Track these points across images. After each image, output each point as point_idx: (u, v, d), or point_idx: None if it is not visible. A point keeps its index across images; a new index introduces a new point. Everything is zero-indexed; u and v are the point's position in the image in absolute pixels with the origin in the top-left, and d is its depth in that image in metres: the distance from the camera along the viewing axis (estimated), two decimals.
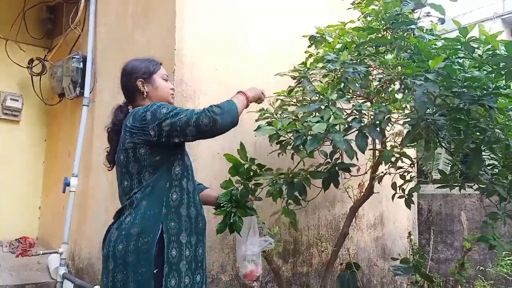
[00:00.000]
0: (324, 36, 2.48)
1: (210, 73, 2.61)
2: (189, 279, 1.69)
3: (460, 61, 1.88)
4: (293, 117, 2.11)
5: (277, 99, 2.40)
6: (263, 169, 2.09)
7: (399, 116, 2.22)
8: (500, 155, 2.08)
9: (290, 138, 2.15)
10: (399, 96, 1.99)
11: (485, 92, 1.75)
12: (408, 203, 2.47)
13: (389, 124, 2.40)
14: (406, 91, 1.91)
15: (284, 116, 2.17)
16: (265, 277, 2.75)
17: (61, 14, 4.05)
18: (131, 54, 2.69)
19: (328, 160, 2.27)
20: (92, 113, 3.37)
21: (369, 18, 2.28)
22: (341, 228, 2.73)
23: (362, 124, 1.94)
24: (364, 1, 2.33)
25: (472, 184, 2.24)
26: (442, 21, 2.11)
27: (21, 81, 4.03)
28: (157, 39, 2.70)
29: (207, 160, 2.52)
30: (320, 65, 2.30)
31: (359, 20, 2.45)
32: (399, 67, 1.89)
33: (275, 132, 2.03)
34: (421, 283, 2.90)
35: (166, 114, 1.63)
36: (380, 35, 2.16)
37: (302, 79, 2.29)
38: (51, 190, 3.93)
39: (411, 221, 4.23)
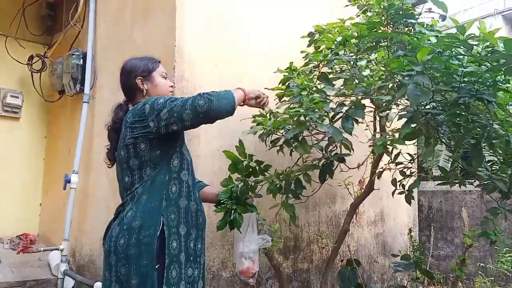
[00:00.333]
0: (322, 33, 2.48)
1: (210, 69, 2.60)
2: (191, 271, 1.71)
3: (460, 57, 1.88)
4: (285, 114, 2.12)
5: (277, 95, 2.39)
6: (261, 166, 2.09)
7: (398, 111, 2.23)
8: (500, 151, 2.08)
9: (282, 135, 2.16)
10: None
11: (483, 86, 1.74)
12: (408, 199, 2.47)
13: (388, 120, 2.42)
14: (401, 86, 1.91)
15: (277, 114, 2.18)
16: (266, 273, 2.76)
17: (61, 11, 4.04)
18: (131, 51, 2.70)
19: (325, 153, 2.27)
20: (92, 110, 3.37)
21: (369, 14, 2.28)
22: (342, 224, 2.73)
23: (346, 108, 1.96)
24: None
25: (473, 180, 2.24)
26: (443, 17, 2.10)
27: (21, 78, 4.03)
28: (157, 36, 2.70)
29: (207, 157, 2.52)
30: (304, 62, 2.34)
31: (358, 16, 2.44)
32: (389, 65, 1.89)
33: (264, 130, 2.04)
34: (421, 279, 2.91)
35: (163, 103, 1.65)
36: (380, 30, 2.15)
37: (289, 81, 2.31)
38: (52, 187, 3.94)
39: (412, 218, 4.24)
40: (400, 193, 2.50)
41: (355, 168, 2.56)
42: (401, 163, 2.50)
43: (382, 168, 2.51)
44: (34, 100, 4.07)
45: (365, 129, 2.48)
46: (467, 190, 4.11)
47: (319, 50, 2.41)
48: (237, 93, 1.80)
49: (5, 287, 3.11)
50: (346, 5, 2.48)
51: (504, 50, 1.64)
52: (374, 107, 2.42)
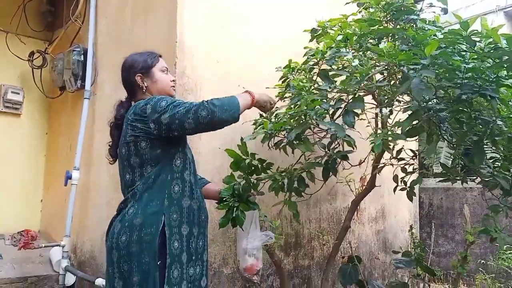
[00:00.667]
0: (325, 29, 2.47)
1: (212, 65, 2.60)
2: (193, 271, 1.71)
3: (463, 53, 1.87)
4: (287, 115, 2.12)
5: (279, 93, 2.39)
6: (264, 164, 2.08)
7: (400, 107, 2.22)
8: (502, 148, 2.07)
9: (284, 136, 2.16)
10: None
11: (486, 82, 1.74)
12: (410, 196, 2.47)
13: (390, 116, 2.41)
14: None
15: (279, 115, 2.17)
16: (267, 270, 2.76)
17: (61, 7, 4.03)
18: (132, 47, 2.69)
19: (327, 151, 2.26)
20: (93, 106, 3.37)
21: (371, 10, 2.27)
22: (343, 221, 2.73)
23: (345, 103, 1.95)
24: None
25: (474, 177, 2.24)
26: (445, 11, 2.09)
27: (22, 74, 4.02)
28: (158, 32, 2.69)
29: (208, 154, 2.52)
30: (304, 59, 2.32)
31: (360, 12, 2.43)
32: (397, 56, 1.88)
33: (265, 133, 2.03)
34: (422, 276, 2.91)
35: (165, 107, 1.63)
36: (382, 27, 2.14)
37: (289, 80, 2.30)
38: (53, 183, 3.94)
39: (413, 214, 4.24)
40: (402, 189, 2.50)
41: (356, 165, 2.56)
42: (403, 159, 2.50)
43: (383, 164, 2.50)
44: (35, 96, 4.07)
45: (367, 126, 2.48)
46: (468, 187, 4.12)
47: (319, 47, 2.40)
48: (243, 99, 1.77)
49: (7, 283, 3.12)
50: (347, 3, 2.47)
51: (507, 47, 1.63)
52: (376, 103, 2.42)
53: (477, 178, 2.19)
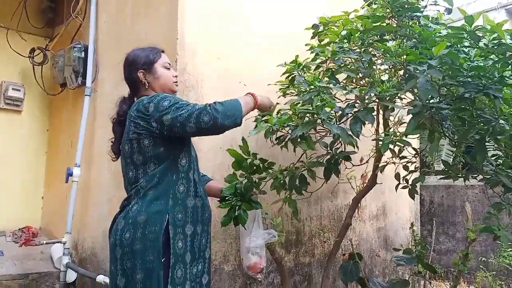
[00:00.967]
0: (327, 25, 2.46)
1: (212, 62, 2.59)
2: (196, 269, 1.71)
3: (466, 50, 1.86)
4: (290, 111, 2.10)
5: (280, 89, 2.38)
6: (265, 163, 2.07)
7: (403, 105, 2.21)
8: (504, 146, 2.06)
9: (288, 133, 2.14)
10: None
11: (490, 81, 1.73)
12: (412, 194, 2.46)
13: (391, 113, 2.39)
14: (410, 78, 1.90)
15: (282, 112, 2.16)
16: (268, 267, 2.76)
17: (62, 3, 4.02)
18: (132, 44, 2.68)
19: (329, 150, 2.26)
20: (94, 103, 3.36)
21: (374, 6, 2.26)
22: (344, 218, 2.72)
23: (356, 109, 1.92)
24: None
25: (476, 175, 2.23)
26: (448, 11, 2.08)
27: (22, 71, 4.02)
28: (159, 29, 2.68)
29: (209, 152, 2.51)
30: (312, 55, 2.30)
31: (363, 8, 2.42)
32: (404, 55, 1.87)
33: (269, 127, 2.01)
34: (423, 273, 2.91)
35: (167, 108, 1.61)
36: (385, 23, 2.13)
37: (295, 73, 2.27)
38: (54, 180, 3.94)
39: (414, 212, 4.23)
40: (404, 187, 2.50)
41: (358, 165, 2.56)
42: (405, 157, 2.49)
43: (385, 162, 2.50)
44: (36, 93, 4.06)
45: (368, 123, 2.47)
46: (469, 184, 4.11)
47: (323, 43, 2.39)
48: (246, 104, 1.77)
49: (8, 279, 3.12)
50: None
51: (511, 43, 1.63)
52: (378, 100, 2.41)
53: (478, 175, 2.19)
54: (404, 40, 1.97)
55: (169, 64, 1.88)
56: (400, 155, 2.43)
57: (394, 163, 2.47)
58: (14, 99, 3.93)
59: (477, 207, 4.12)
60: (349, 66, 2.14)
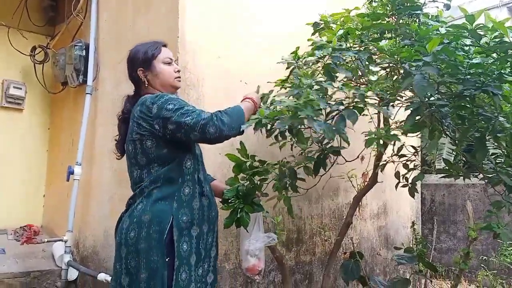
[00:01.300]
0: (328, 23, 2.45)
1: (212, 61, 2.59)
2: (202, 270, 1.71)
3: (466, 48, 1.85)
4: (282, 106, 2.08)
5: (275, 86, 2.37)
6: (265, 164, 2.07)
7: (402, 103, 2.20)
8: (505, 144, 2.06)
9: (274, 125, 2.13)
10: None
11: (489, 78, 1.72)
12: (412, 192, 2.46)
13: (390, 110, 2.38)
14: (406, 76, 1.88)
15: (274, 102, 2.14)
16: (268, 265, 2.76)
17: (63, 1, 4.02)
18: (133, 42, 2.65)
19: (320, 146, 2.24)
20: (95, 102, 3.36)
21: (374, 4, 2.25)
22: (345, 217, 2.72)
23: (342, 107, 1.90)
24: None
25: (477, 173, 2.23)
26: (447, 6, 2.07)
27: (24, 69, 4.02)
28: (160, 27, 2.68)
29: (210, 150, 2.50)
30: (310, 51, 2.28)
31: (364, 6, 2.42)
32: (399, 54, 1.86)
33: (259, 119, 2.00)
34: (424, 272, 2.91)
35: (172, 112, 1.60)
36: (384, 22, 2.12)
37: (294, 67, 2.26)
38: (55, 178, 3.95)
39: (414, 211, 4.23)
40: (404, 186, 2.49)
41: (356, 159, 2.54)
42: (405, 155, 2.49)
43: (385, 160, 2.49)
44: (37, 91, 4.07)
45: (369, 122, 2.47)
46: (470, 183, 4.10)
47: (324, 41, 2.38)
48: (249, 111, 1.80)
49: (10, 277, 3.13)
50: None
51: None
52: (378, 99, 2.40)
53: (479, 174, 2.18)
54: (399, 39, 1.96)
55: (171, 59, 1.84)
56: (400, 154, 2.43)
57: (393, 162, 2.46)
58: (15, 98, 3.93)
59: (478, 205, 4.11)
60: (349, 65, 2.14)
